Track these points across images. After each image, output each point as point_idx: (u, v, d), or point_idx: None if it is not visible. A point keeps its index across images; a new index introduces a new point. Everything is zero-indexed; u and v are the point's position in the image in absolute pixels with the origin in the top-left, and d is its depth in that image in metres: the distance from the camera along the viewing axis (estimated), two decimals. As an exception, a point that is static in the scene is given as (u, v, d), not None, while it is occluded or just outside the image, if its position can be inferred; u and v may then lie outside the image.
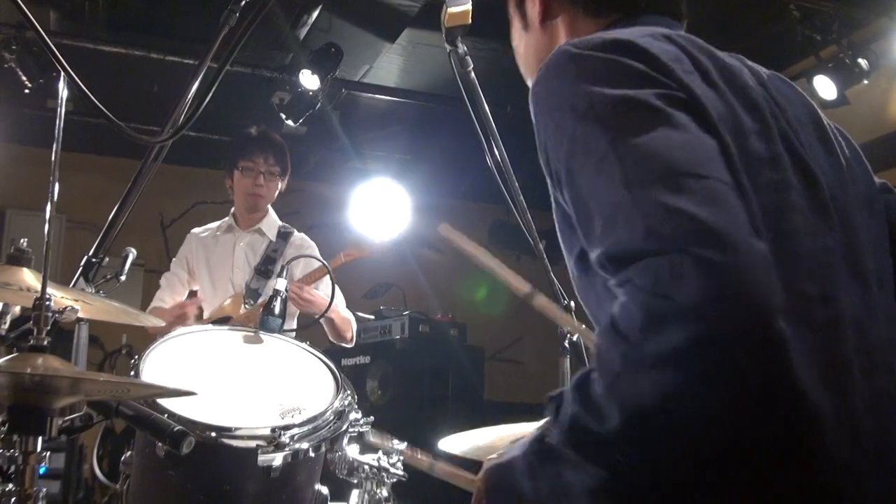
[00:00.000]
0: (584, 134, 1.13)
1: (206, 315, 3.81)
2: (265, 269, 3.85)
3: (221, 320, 3.71)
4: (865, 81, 5.10)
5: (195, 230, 4.06)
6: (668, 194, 1.03)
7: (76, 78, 1.43)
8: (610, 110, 1.13)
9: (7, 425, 1.57)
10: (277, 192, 4.00)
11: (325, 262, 3.36)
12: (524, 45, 1.58)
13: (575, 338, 2.42)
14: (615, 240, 1.05)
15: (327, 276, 3.79)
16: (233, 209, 4.04)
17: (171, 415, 2.06)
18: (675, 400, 1.00)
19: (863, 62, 5.04)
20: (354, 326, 3.81)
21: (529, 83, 1.51)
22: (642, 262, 1.01)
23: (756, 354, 1.00)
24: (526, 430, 2.20)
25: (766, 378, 1.04)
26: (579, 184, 1.13)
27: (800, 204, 1.19)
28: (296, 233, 4.01)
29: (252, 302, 3.76)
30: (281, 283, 2.77)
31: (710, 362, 0.98)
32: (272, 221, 4.01)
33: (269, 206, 4.01)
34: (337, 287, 3.78)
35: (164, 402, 2.10)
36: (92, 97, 1.42)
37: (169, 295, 3.86)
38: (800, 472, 1.08)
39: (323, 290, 3.83)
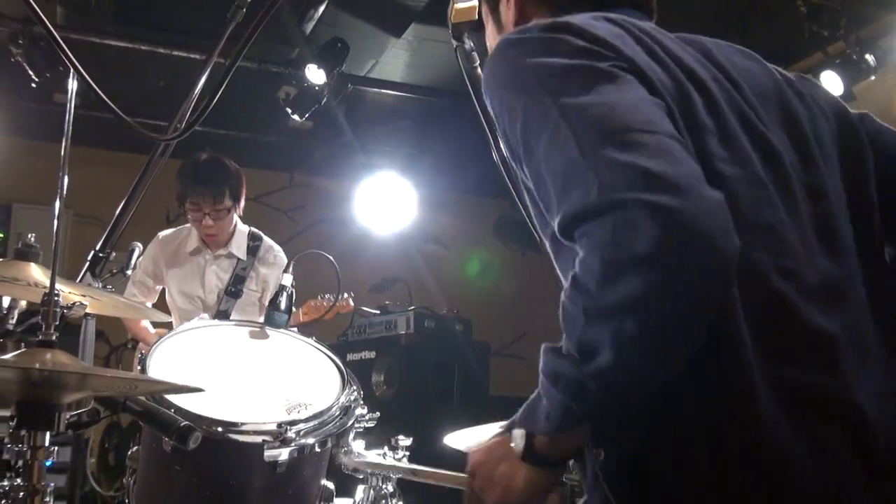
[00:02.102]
0: (534, 108, 1.16)
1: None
2: (235, 289, 3.85)
3: None
4: (872, 77, 5.09)
5: (161, 236, 4.00)
6: (619, 151, 1.04)
7: (85, 74, 1.43)
8: (556, 81, 1.15)
9: (15, 420, 1.57)
10: (234, 220, 3.90)
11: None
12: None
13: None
14: (571, 202, 1.07)
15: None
16: None
17: (178, 410, 2.06)
18: (633, 347, 1.01)
19: (870, 58, 5.03)
20: None
21: None
22: (597, 217, 1.03)
23: (714, 300, 1.03)
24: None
25: (722, 324, 1.06)
26: (537, 157, 1.15)
27: (757, 176, 1.19)
28: (264, 242, 3.97)
29: None
30: (287, 279, 2.77)
31: (667, 309, 1.00)
32: (240, 239, 3.95)
33: (238, 221, 3.95)
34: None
35: (171, 398, 2.11)
36: (101, 94, 1.42)
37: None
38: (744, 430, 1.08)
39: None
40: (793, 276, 1.15)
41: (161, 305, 3.87)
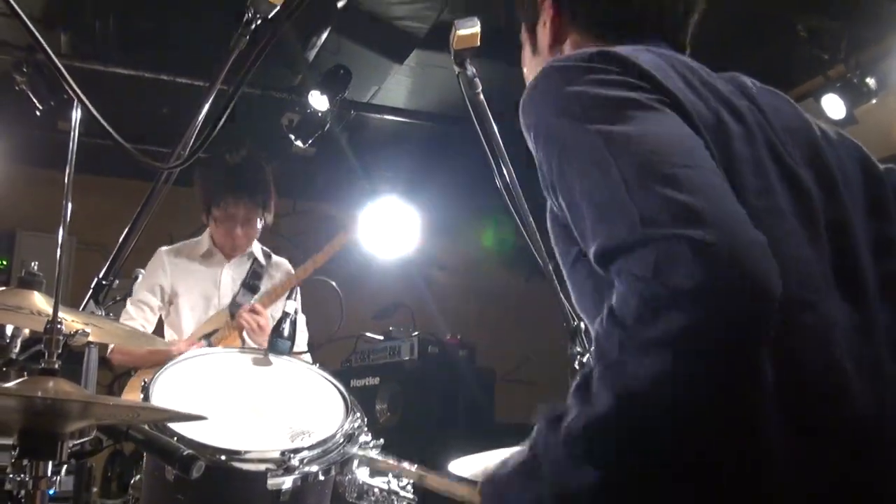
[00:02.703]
0: (574, 135, 1.16)
1: (187, 335, 3.62)
2: (252, 283, 3.72)
3: (208, 335, 3.57)
4: (874, 101, 5.09)
5: (164, 249, 3.77)
6: (660, 185, 1.04)
7: (87, 103, 1.43)
8: (599, 110, 1.15)
9: (18, 450, 1.57)
10: (262, 227, 3.73)
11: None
12: (532, 68, 1.60)
13: (586, 358, 2.40)
14: (610, 233, 1.06)
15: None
16: (210, 233, 3.77)
17: (181, 438, 2.06)
18: (668, 384, 0.98)
19: (871, 81, 5.03)
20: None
21: None
22: (637, 251, 1.02)
23: (753, 342, 1.00)
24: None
25: (761, 365, 1.03)
26: (572, 184, 1.15)
27: (785, 210, 1.19)
28: (275, 257, 3.88)
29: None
30: (290, 306, 2.77)
31: (704, 347, 0.98)
32: (256, 245, 3.83)
33: None
34: (302, 320, 3.54)
35: (174, 426, 2.10)
36: (104, 122, 1.43)
37: (140, 326, 3.51)
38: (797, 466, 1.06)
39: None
40: (815, 309, 1.14)
41: (157, 332, 3.77)
